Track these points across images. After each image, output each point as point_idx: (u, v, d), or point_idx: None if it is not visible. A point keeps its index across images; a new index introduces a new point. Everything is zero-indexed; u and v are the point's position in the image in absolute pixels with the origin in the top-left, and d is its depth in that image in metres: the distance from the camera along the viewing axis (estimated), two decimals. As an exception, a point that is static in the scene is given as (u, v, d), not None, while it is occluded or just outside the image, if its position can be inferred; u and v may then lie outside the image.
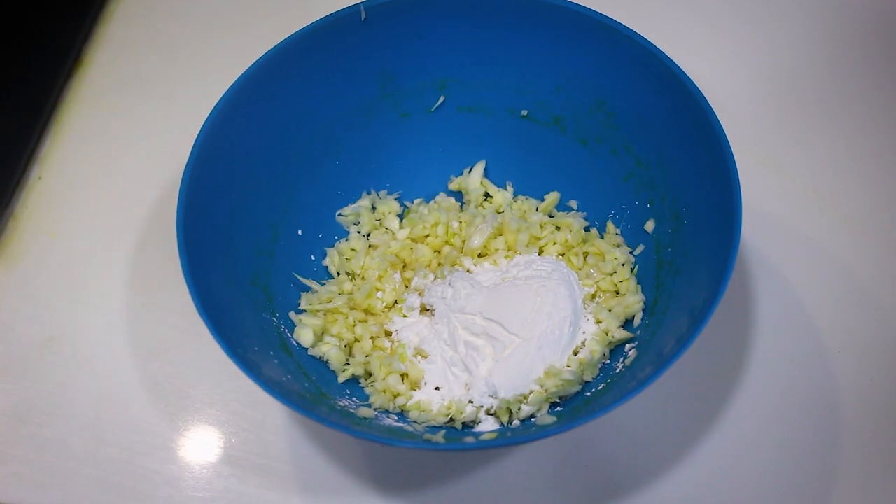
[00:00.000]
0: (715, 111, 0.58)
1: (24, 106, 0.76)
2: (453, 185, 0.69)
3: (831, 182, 0.72)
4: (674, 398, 0.63)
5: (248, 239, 0.62)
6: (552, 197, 0.68)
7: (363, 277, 0.66)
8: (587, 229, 0.67)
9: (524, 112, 0.67)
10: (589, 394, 0.60)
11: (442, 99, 0.67)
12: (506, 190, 0.69)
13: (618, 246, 0.65)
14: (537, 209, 0.68)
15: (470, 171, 0.69)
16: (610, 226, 0.66)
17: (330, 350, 0.62)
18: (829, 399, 0.64)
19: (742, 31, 0.80)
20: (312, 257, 0.66)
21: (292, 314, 0.63)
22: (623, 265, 0.64)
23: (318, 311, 0.63)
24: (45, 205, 0.74)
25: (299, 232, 0.66)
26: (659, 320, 0.60)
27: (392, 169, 0.69)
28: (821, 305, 0.67)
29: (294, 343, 0.62)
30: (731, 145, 0.57)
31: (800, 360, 0.65)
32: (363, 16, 0.62)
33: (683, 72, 0.59)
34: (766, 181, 0.71)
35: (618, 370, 0.60)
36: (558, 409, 0.60)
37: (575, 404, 0.59)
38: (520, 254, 0.65)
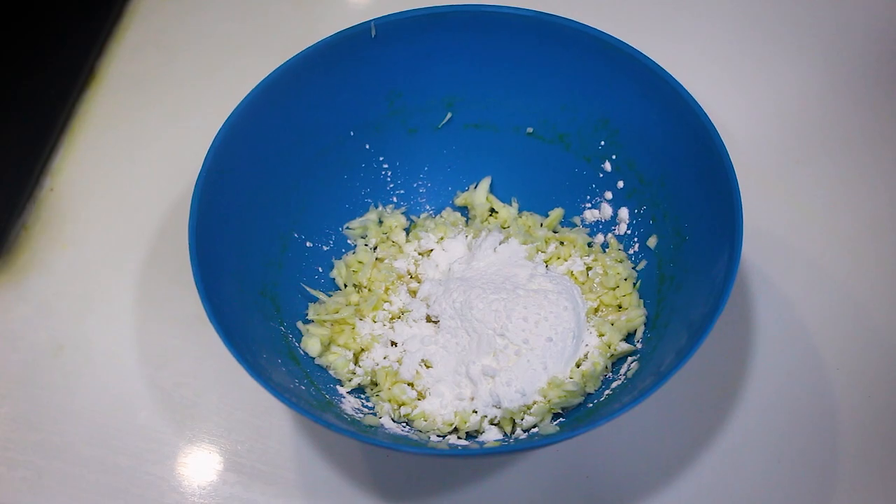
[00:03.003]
0: (717, 130, 0.59)
1: (37, 118, 0.77)
2: (459, 201, 0.70)
3: (831, 201, 0.73)
4: (673, 410, 0.64)
5: (257, 250, 0.63)
6: (556, 213, 0.69)
7: (370, 289, 0.67)
8: (590, 245, 0.68)
9: (529, 129, 0.68)
10: (591, 405, 0.61)
11: (449, 116, 0.68)
12: (511, 206, 0.70)
13: (621, 261, 0.66)
14: (542, 225, 0.69)
15: (476, 187, 0.70)
16: (613, 241, 0.67)
17: (336, 360, 0.63)
18: (826, 414, 0.65)
19: (745, 53, 0.82)
20: (320, 269, 0.68)
21: (300, 324, 0.64)
22: (626, 280, 0.65)
23: (325, 321, 0.64)
24: (57, 216, 0.75)
25: (308, 244, 0.67)
26: (660, 334, 0.61)
27: (399, 184, 0.70)
28: (819, 322, 0.68)
29: (301, 352, 0.63)
30: (732, 163, 0.58)
31: (798, 376, 0.66)
32: (373, 33, 0.64)
33: (686, 90, 0.60)
34: (767, 199, 0.72)
35: (619, 382, 0.61)
36: (561, 419, 0.61)
37: (577, 415, 0.60)
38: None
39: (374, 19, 0.64)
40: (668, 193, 0.63)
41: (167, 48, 0.84)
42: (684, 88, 0.60)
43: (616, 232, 0.67)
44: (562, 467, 0.63)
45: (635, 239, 0.66)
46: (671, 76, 0.61)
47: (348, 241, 0.69)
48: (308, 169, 0.66)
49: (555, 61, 0.65)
